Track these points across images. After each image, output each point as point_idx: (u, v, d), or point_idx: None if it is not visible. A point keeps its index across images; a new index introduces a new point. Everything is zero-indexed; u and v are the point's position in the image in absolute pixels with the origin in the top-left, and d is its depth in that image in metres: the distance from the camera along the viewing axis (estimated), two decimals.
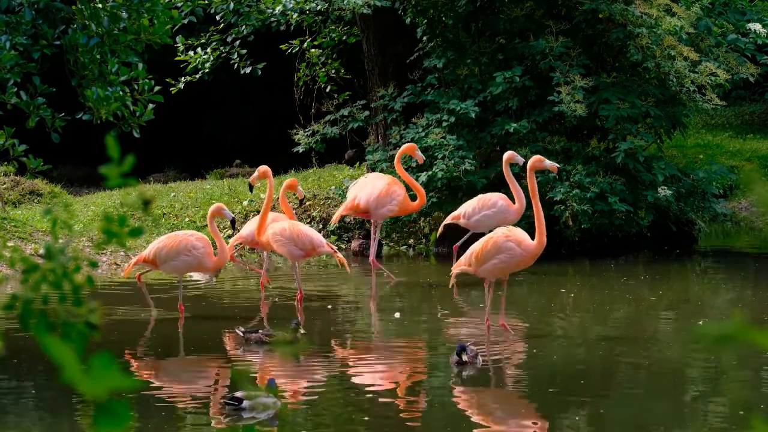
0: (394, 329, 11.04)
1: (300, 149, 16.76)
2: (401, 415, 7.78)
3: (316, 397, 8.28)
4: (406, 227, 16.39)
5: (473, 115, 15.25)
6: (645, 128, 15.58)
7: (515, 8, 15.64)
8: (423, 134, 15.54)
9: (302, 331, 10.00)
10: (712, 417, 7.68)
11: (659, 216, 15.74)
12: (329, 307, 12.20)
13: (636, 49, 15.14)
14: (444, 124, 15.46)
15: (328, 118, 16.78)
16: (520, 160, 12.63)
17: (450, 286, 11.11)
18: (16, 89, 8.76)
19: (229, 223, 12.13)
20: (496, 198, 13.50)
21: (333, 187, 17.34)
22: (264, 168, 12.67)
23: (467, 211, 13.55)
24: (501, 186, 15.33)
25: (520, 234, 10.00)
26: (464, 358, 8.80)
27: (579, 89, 14.77)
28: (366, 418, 7.67)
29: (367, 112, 16.71)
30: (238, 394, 7.64)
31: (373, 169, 16.43)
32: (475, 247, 10.13)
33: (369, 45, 17.03)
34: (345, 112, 16.70)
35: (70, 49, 8.67)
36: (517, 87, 15.36)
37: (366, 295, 13.20)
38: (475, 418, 7.69)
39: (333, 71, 18.41)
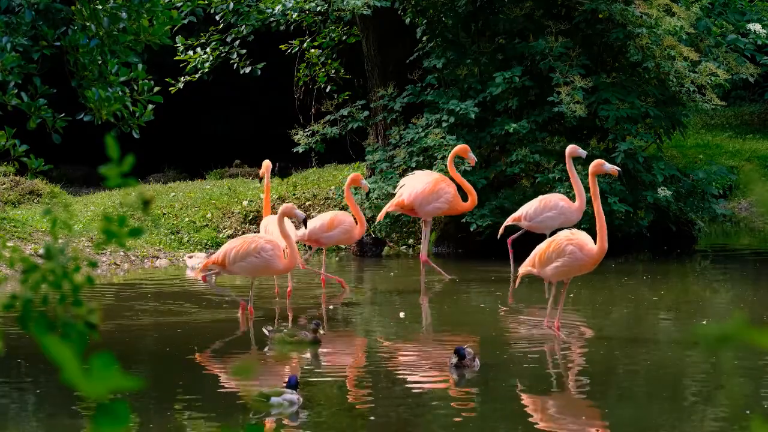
0: (402, 328, 11.04)
1: (300, 149, 16.76)
2: (404, 414, 7.79)
3: (333, 393, 8.28)
4: (405, 227, 16.38)
5: (473, 115, 15.25)
6: (644, 128, 15.57)
7: (515, 8, 15.64)
8: (423, 134, 15.54)
9: (322, 331, 9.99)
10: (712, 417, 7.68)
11: (659, 216, 15.74)
12: (331, 307, 12.21)
13: (636, 49, 15.14)
14: (444, 124, 15.45)
15: (327, 118, 16.78)
16: (583, 153, 12.60)
17: (515, 285, 11.05)
18: (16, 90, 8.76)
19: (300, 223, 12.11)
20: (557, 199, 13.43)
21: (333, 187, 17.34)
22: (265, 163, 13.36)
23: (528, 212, 13.48)
24: (500, 186, 15.34)
25: (583, 238, 9.83)
26: (459, 360, 8.79)
27: (579, 89, 14.77)
28: (372, 418, 7.68)
29: (366, 112, 16.71)
30: (267, 391, 7.76)
31: (372, 170, 16.44)
32: (539, 248, 10.03)
33: (369, 45, 17.03)
34: (345, 112, 16.71)
35: (71, 50, 8.67)
36: (516, 87, 15.36)
37: (367, 294, 13.20)
38: (474, 419, 7.69)
39: (333, 71, 18.41)
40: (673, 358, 9.49)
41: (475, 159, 13.90)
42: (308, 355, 9.68)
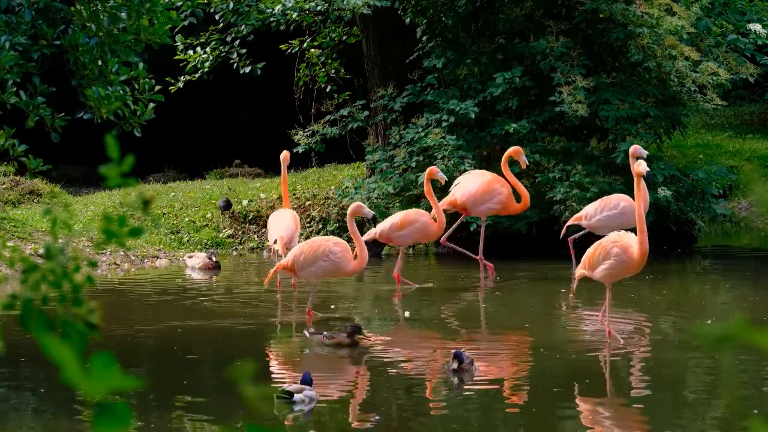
0: (407, 327, 11.04)
1: (300, 149, 16.74)
2: (406, 413, 7.79)
3: (336, 393, 8.29)
4: None
5: (473, 115, 15.24)
6: (644, 128, 15.57)
7: (515, 8, 15.63)
8: (423, 134, 15.53)
9: (367, 334, 9.91)
10: (712, 417, 7.68)
11: (659, 216, 15.72)
12: (332, 306, 12.20)
13: (637, 49, 15.13)
14: (444, 124, 15.45)
15: (327, 118, 16.76)
16: (644, 152, 12.56)
17: (572, 289, 11.00)
18: (15, 89, 8.75)
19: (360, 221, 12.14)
20: (617, 199, 13.38)
21: (332, 187, 17.32)
22: (283, 154, 13.82)
23: (589, 212, 13.45)
24: None
25: (629, 240, 9.78)
26: (458, 365, 8.77)
27: (580, 89, 14.76)
28: (377, 417, 7.67)
29: (366, 112, 16.70)
30: (290, 388, 7.85)
31: (372, 170, 16.43)
32: (589, 251, 10.03)
33: (369, 45, 17.02)
34: (345, 112, 16.69)
35: (70, 49, 8.66)
36: (516, 87, 15.36)
37: (369, 293, 13.20)
38: (475, 419, 7.69)
39: (333, 71, 18.41)
40: (674, 357, 9.49)
41: (527, 162, 13.84)
42: (309, 353, 9.67)
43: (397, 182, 15.51)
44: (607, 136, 15.40)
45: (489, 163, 15.65)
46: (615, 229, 13.14)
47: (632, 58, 15.30)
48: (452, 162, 15.05)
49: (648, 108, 15.23)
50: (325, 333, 9.88)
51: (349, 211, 11.20)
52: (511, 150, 13.75)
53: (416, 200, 15.51)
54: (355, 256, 10.94)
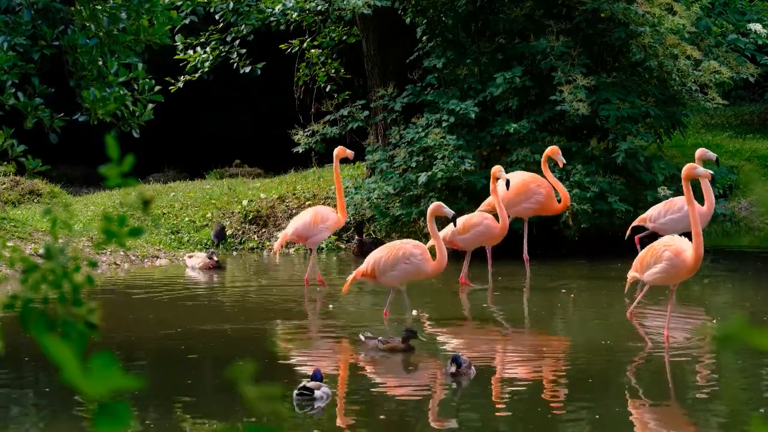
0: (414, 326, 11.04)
1: (300, 149, 16.74)
2: (409, 413, 7.79)
3: (340, 393, 8.30)
4: (406, 227, 16.36)
5: (473, 115, 15.24)
6: (645, 128, 15.57)
7: (515, 8, 15.63)
8: (423, 134, 15.53)
9: (424, 338, 9.85)
10: (712, 417, 7.68)
11: None
12: (331, 306, 12.20)
13: (638, 48, 15.12)
14: (444, 124, 15.44)
15: (327, 118, 16.76)
16: (712, 155, 12.41)
17: (625, 291, 11.03)
18: (14, 90, 8.75)
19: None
20: (681, 203, 13.34)
21: (333, 187, 17.32)
22: (337, 150, 13.43)
23: (653, 214, 13.42)
24: None
25: (682, 244, 9.76)
26: (456, 369, 8.76)
27: (581, 88, 14.76)
28: (382, 417, 7.67)
29: (366, 112, 16.69)
30: (310, 384, 7.92)
31: (372, 170, 16.43)
32: (641, 254, 10.07)
33: (369, 45, 17.02)
34: (345, 112, 16.68)
35: (70, 50, 8.66)
36: (517, 87, 15.35)
37: (373, 293, 13.19)
38: (475, 418, 7.69)
39: (333, 71, 18.41)
40: (676, 357, 9.48)
41: (564, 161, 13.82)
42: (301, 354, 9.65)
43: (397, 182, 15.51)
44: (607, 135, 15.40)
45: (489, 163, 15.65)
46: (680, 231, 13.14)
47: (633, 58, 15.29)
48: (452, 162, 15.04)
49: (648, 107, 15.23)
50: (380, 338, 9.79)
51: (429, 211, 11.16)
52: (549, 150, 13.77)
53: (416, 200, 15.51)
54: (434, 257, 10.93)
